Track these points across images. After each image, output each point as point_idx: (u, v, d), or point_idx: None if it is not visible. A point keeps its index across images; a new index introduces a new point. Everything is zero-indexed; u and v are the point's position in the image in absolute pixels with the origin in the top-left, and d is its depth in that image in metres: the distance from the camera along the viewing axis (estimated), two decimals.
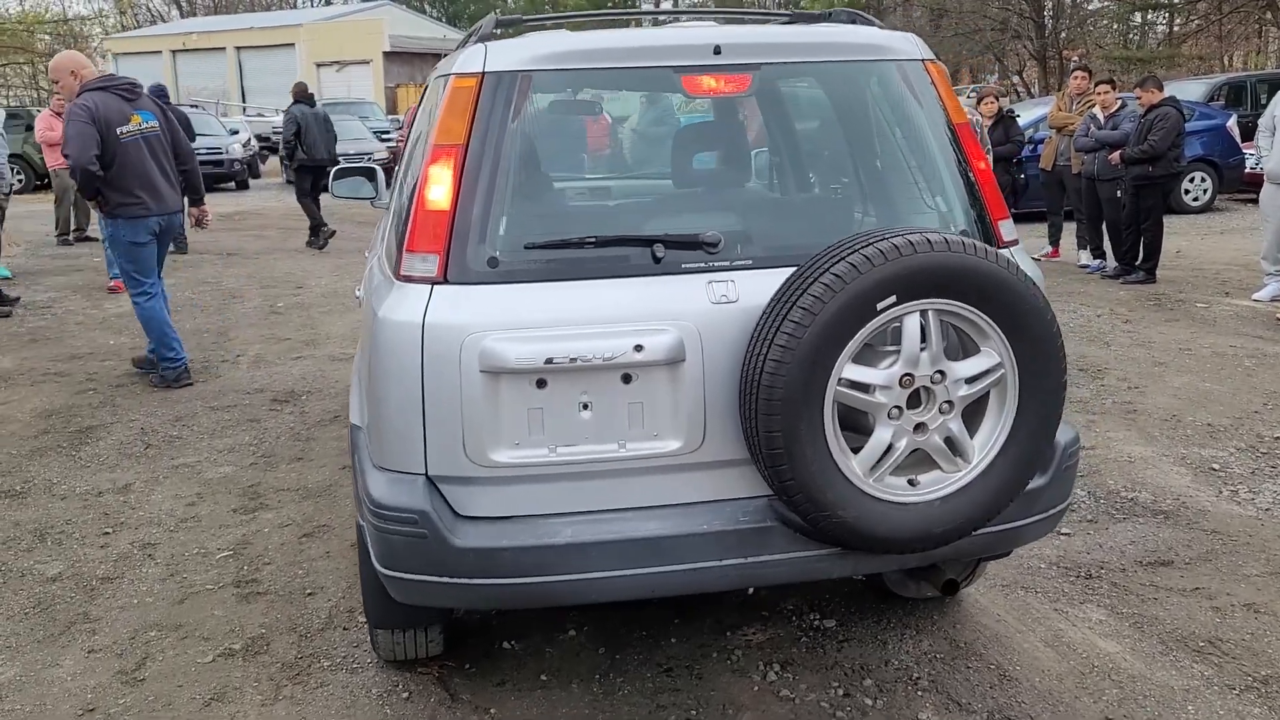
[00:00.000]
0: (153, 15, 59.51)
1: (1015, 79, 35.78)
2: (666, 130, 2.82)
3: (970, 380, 2.41)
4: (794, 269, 2.38)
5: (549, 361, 2.36)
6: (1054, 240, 10.63)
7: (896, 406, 2.38)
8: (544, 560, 2.40)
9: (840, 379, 2.32)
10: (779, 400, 2.27)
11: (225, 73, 44.20)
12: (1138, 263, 9.36)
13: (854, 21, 2.94)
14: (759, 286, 2.44)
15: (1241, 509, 4.29)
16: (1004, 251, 2.37)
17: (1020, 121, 10.88)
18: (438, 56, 42.62)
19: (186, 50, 45.74)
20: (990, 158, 9.56)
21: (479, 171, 2.47)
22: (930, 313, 2.34)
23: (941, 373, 2.38)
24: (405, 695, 3.04)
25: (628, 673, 3.15)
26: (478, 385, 2.39)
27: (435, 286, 2.44)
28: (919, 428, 2.41)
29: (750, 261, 2.52)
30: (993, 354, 2.41)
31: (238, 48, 44.30)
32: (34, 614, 3.51)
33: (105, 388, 6.29)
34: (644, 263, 2.48)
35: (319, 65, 41.93)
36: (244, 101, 41.84)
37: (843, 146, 2.85)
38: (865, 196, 2.74)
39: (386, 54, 41.09)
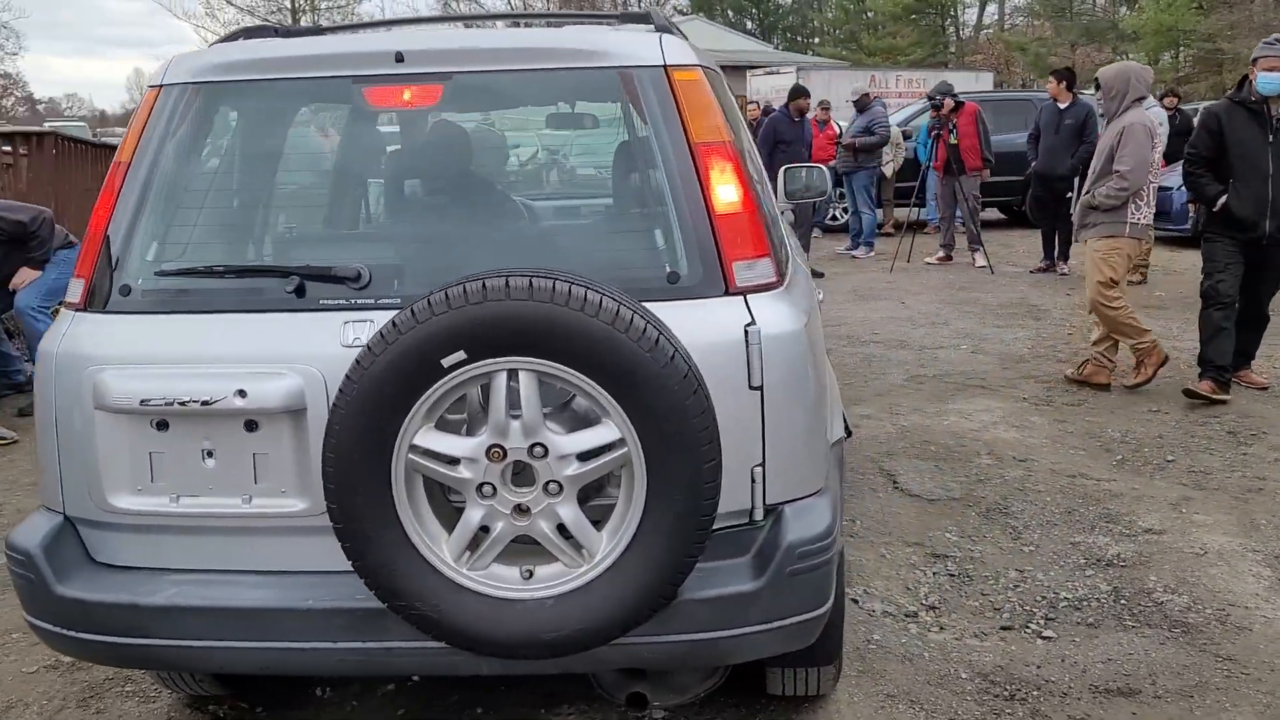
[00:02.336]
0: None
1: None
2: (361, 150, 2.53)
3: (584, 457, 1.96)
4: None
5: (144, 402, 2.17)
6: None
7: (488, 483, 1.97)
8: (139, 621, 2.21)
9: (412, 447, 1.95)
10: (331, 468, 1.95)
11: None
12: None
13: (668, 29, 2.51)
14: None
15: None
16: (613, 303, 1.88)
17: None
18: (737, 69, 42.93)
19: None
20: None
21: (131, 192, 2.32)
22: (522, 374, 1.92)
23: (543, 446, 1.95)
24: None
25: None
26: (95, 422, 2.23)
27: (75, 314, 2.32)
28: (520, 510, 1.99)
29: (399, 300, 2.19)
30: (612, 428, 1.94)
31: None
32: None
33: None
34: (281, 297, 2.22)
35: None
36: None
37: (543, 168, 2.43)
38: (553, 228, 2.32)
39: None
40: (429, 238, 2.35)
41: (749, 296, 2.20)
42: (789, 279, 2.41)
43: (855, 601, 3.62)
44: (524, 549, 2.04)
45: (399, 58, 2.28)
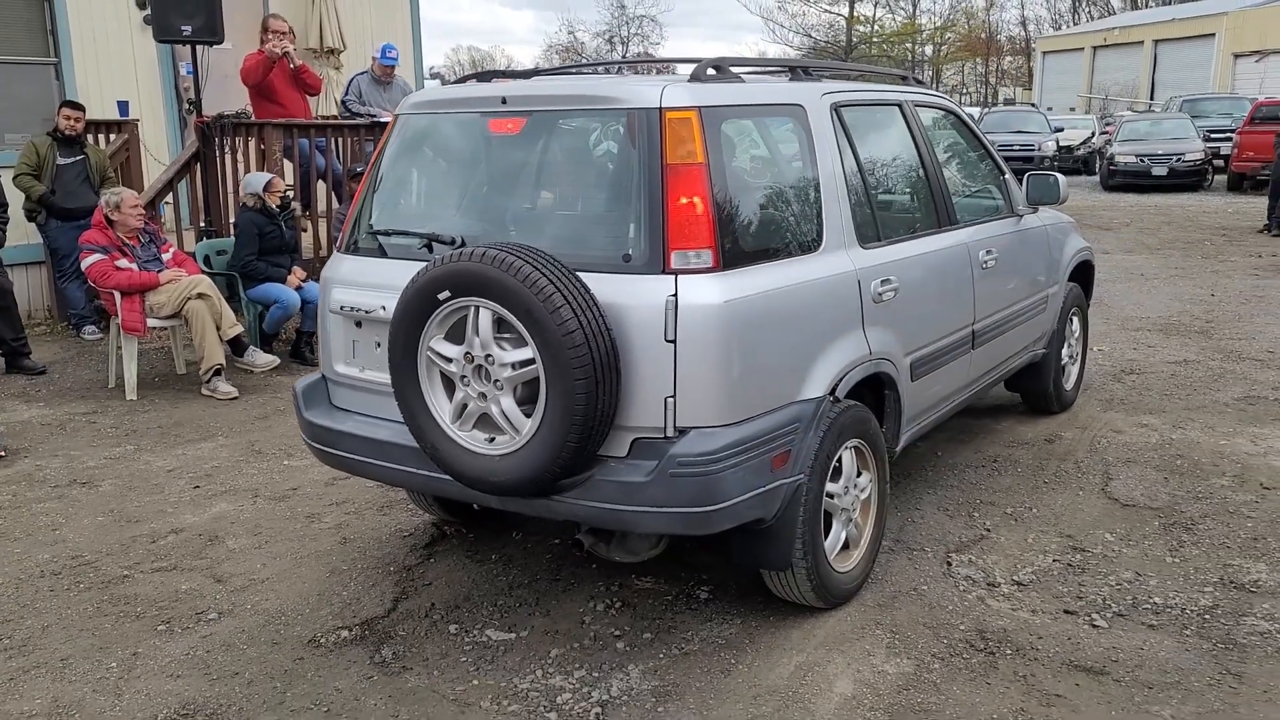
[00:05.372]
0: (1097, 11, 60.49)
1: None
2: (477, 160, 3.63)
3: (514, 366, 3.02)
4: None
5: (342, 307, 3.63)
6: None
7: (465, 375, 3.12)
8: (332, 439, 3.68)
9: (429, 348, 3.17)
10: (389, 356, 3.24)
11: (1140, 66, 43.60)
12: None
13: (717, 71, 3.43)
14: None
15: None
16: (528, 268, 2.89)
17: None
18: None
19: (1107, 46, 46.13)
20: None
21: (372, 182, 3.78)
22: (480, 309, 3.03)
23: (489, 356, 3.05)
24: (407, 533, 4.48)
25: (529, 580, 4.12)
26: (329, 318, 3.74)
27: (338, 254, 3.85)
28: (482, 396, 3.11)
29: None
30: (529, 351, 2.98)
31: (1156, 40, 43.26)
32: None
33: None
34: (418, 250, 3.52)
35: (1236, 56, 39.04)
36: (1150, 98, 40.79)
37: (571, 178, 3.41)
38: (563, 218, 3.33)
39: None
40: (496, 219, 3.49)
41: (680, 276, 3.05)
42: (751, 268, 3.19)
43: (949, 564, 4.11)
44: (491, 423, 3.16)
45: (504, 100, 3.46)
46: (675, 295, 3.03)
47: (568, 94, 3.40)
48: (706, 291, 3.05)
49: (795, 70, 3.95)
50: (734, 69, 3.55)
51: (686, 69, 3.47)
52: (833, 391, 3.45)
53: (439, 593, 3.96)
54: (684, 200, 3.09)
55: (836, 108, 3.83)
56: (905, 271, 3.92)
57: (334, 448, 3.69)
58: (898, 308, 3.85)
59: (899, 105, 4.36)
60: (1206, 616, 3.63)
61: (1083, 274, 5.93)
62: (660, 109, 3.15)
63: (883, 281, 3.76)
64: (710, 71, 3.41)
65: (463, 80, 3.93)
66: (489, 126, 3.54)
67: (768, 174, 3.53)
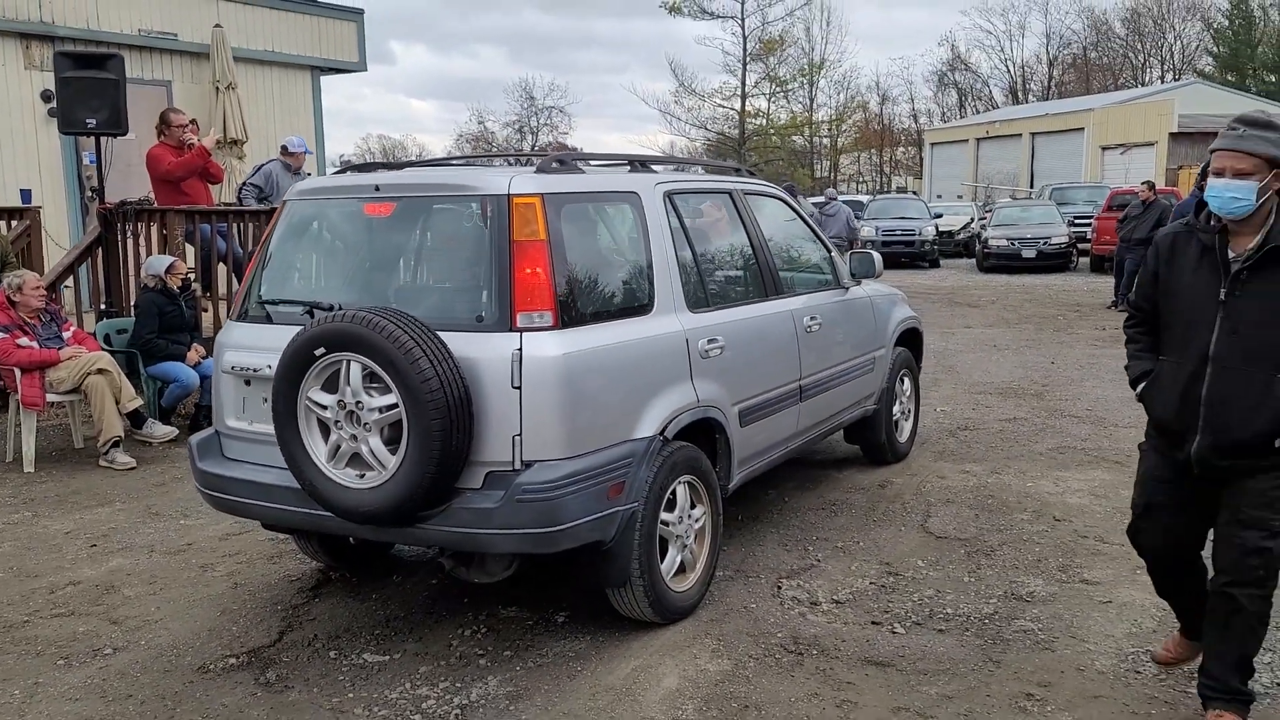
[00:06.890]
0: (981, 105, 64.09)
1: None
2: (356, 238, 4.23)
3: (381, 411, 3.55)
4: None
5: (233, 368, 4.11)
6: None
7: (339, 420, 3.64)
8: (225, 485, 4.13)
9: (307, 398, 3.68)
10: (273, 405, 3.74)
11: (1020, 157, 46.31)
12: None
13: (560, 164, 4.06)
14: None
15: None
16: (393, 327, 3.45)
17: None
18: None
19: (989, 138, 48.88)
20: None
21: (262, 258, 4.30)
22: (351, 362, 3.57)
23: (360, 402, 3.58)
24: (295, 578, 4.90)
25: (405, 613, 4.58)
26: (223, 378, 4.22)
27: (229, 321, 4.35)
28: (353, 438, 3.63)
29: None
30: (393, 397, 3.51)
31: (1033, 133, 46.08)
32: None
33: None
34: (300, 316, 4.03)
35: (1104, 148, 41.82)
36: (1031, 186, 43.26)
37: (435, 252, 4.01)
38: (429, 289, 3.92)
39: (1173, 135, 39.38)
40: (370, 289, 4.05)
41: (525, 334, 3.63)
42: (588, 326, 3.79)
43: (779, 587, 4.69)
44: (361, 461, 3.66)
45: (376, 188, 4.04)
46: (520, 349, 3.60)
47: (432, 182, 4.01)
48: (547, 346, 3.64)
49: (634, 163, 4.62)
50: (578, 162, 4.20)
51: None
52: (663, 432, 4.03)
53: (322, 625, 4.39)
54: (528, 270, 3.68)
55: (669, 195, 4.50)
56: (731, 332, 4.56)
57: (225, 493, 4.14)
58: (724, 363, 4.48)
59: (729, 193, 5.06)
60: (985, 621, 4.26)
61: (911, 340, 6.69)
62: (509, 195, 3.76)
63: (709, 340, 4.39)
64: (555, 164, 4.04)
65: (342, 170, 4.51)
66: (365, 210, 4.11)
67: (605, 249, 4.16)
